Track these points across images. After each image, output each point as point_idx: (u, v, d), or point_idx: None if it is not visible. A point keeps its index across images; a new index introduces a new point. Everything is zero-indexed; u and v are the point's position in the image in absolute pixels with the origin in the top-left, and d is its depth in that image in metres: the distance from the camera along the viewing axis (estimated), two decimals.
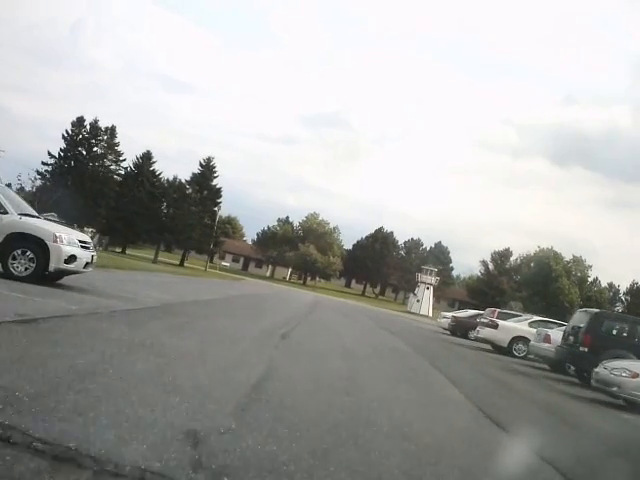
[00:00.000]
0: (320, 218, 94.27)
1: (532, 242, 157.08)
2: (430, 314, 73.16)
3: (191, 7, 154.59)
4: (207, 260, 70.29)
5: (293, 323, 16.05)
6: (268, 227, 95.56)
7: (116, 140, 78.36)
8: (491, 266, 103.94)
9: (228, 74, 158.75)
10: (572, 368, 17.53)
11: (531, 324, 22.19)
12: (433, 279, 76.04)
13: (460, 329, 31.79)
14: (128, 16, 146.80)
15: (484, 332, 22.50)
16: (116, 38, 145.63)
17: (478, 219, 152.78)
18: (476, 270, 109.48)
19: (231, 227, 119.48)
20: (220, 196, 69.95)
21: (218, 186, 69.98)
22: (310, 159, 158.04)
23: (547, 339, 18.50)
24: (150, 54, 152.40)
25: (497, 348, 22.93)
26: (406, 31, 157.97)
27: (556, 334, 18.65)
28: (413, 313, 71.16)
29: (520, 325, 22.20)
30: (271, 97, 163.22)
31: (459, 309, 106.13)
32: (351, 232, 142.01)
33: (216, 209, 69.86)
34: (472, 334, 31.32)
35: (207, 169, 69.92)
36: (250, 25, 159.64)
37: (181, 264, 68.93)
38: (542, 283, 75.89)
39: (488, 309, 28.38)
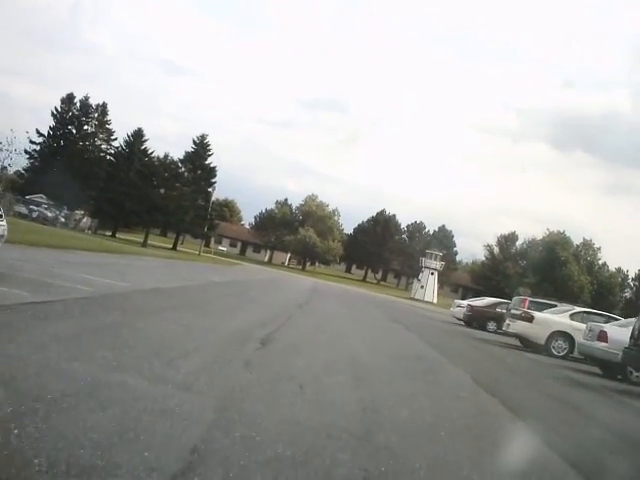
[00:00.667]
0: (319, 200, 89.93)
1: (533, 227, 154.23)
2: (435, 300, 69.36)
3: None
4: (201, 244, 66.32)
5: (282, 318, 12.13)
6: (266, 210, 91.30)
7: (107, 118, 74.74)
8: (496, 250, 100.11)
9: (226, 58, 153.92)
10: (635, 374, 13.76)
11: (573, 316, 18.24)
12: (438, 264, 72.01)
13: (477, 320, 27.90)
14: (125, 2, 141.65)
15: (516, 326, 18.53)
16: (115, 21, 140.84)
17: (478, 204, 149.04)
18: (478, 256, 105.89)
19: (228, 210, 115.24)
20: (214, 175, 65.88)
21: (212, 165, 65.89)
22: (309, 143, 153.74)
23: (603, 337, 14.54)
24: (149, 38, 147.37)
25: (528, 343, 19.04)
26: (406, 16, 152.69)
27: (613, 331, 14.75)
28: (417, 300, 67.33)
29: (560, 318, 18.23)
30: (269, 81, 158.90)
31: (463, 295, 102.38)
32: (352, 218, 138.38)
33: (210, 190, 65.67)
34: (490, 325, 27.55)
35: (201, 147, 65.70)
36: (248, 9, 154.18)
37: (174, 248, 64.97)
38: (550, 268, 71.94)
39: (516, 297, 24.50)
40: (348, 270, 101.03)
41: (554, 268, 71.71)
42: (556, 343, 17.82)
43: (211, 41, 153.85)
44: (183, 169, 65.19)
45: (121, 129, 71.12)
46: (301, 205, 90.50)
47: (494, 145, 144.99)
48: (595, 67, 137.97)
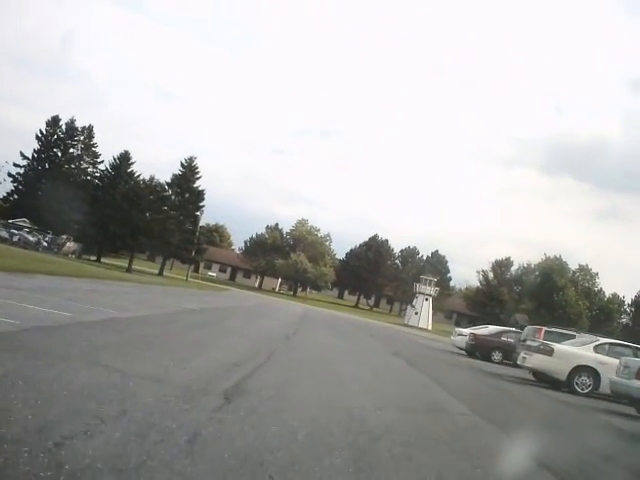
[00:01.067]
0: (310, 225, 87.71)
1: (525, 253, 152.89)
2: (429, 327, 66.89)
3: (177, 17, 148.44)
4: (188, 269, 63.79)
5: (262, 356, 9.78)
6: (256, 234, 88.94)
7: (93, 141, 72.85)
8: (490, 276, 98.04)
9: (217, 85, 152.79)
10: None
11: (597, 349, 15.93)
12: (432, 289, 69.66)
13: (481, 349, 25.53)
14: (116, 30, 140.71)
15: (533, 360, 16.13)
16: (106, 48, 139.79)
17: (469, 231, 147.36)
18: (471, 282, 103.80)
19: (218, 235, 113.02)
20: (203, 199, 63.51)
21: (201, 188, 63.60)
22: (301, 170, 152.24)
23: None
24: (139, 65, 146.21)
25: (544, 378, 16.67)
26: (398, 44, 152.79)
27: None
28: (411, 326, 64.78)
29: (583, 350, 15.89)
30: (262, 108, 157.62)
31: (457, 321, 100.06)
32: (345, 244, 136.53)
33: (198, 213, 63.38)
34: (496, 355, 25.20)
35: (189, 170, 63.50)
36: (240, 36, 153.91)
37: (160, 273, 62.40)
38: (547, 294, 69.80)
39: (530, 327, 22.17)
40: (340, 296, 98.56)
41: (551, 294, 69.56)
42: (579, 379, 15.48)
43: (203, 68, 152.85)
44: (170, 192, 62.92)
45: (109, 155, 68.53)
46: (292, 230, 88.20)
47: (485, 171, 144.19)
48: (586, 94, 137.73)
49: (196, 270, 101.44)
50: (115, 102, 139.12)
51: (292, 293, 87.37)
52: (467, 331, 26.66)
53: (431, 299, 69.03)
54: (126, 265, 61.40)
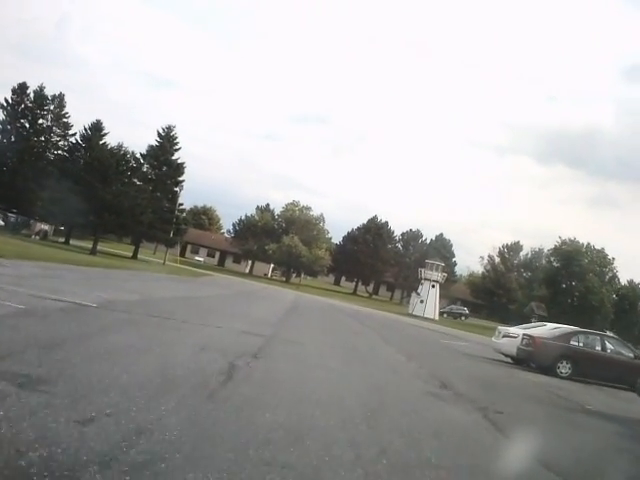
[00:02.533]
0: (302, 205, 79.35)
1: (522, 239, 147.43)
2: (436, 317, 59.06)
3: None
4: (166, 252, 55.65)
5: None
6: (246, 216, 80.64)
7: (65, 111, 64.09)
8: (497, 261, 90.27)
9: (212, 71, 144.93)
10: None
11: None
12: (439, 275, 61.61)
13: (541, 358, 17.59)
14: (112, 14, 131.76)
15: None
16: (103, 34, 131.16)
17: (468, 217, 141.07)
18: (472, 267, 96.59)
19: (207, 218, 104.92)
20: (182, 173, 55.37)
21: (180, 161, 55.43)
22: (296, 156, 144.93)
23: None
24: (133, 51, 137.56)
25: None
26: (393, 29, 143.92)
27: None
28: (416, 316, 56.95)
29: None
30: (257, 95, 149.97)
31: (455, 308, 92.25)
32: (342, 233, 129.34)
33: (177, 189, 55.20)
34: (563, 367, 17.31)
35: (167, 140, 55.31)
36: (236, 23, 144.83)
37: (134, 256, 54.35)
38: (566, 280, 62.07)
39: None
40: (337, 282, 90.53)
41: (571, 279, 61.79)
42: None
43: (198, 54, 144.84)
44: (146, 166, 54.72)
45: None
46: (283, 211, 79.75)
47: (480, 158, 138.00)
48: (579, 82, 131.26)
49: (182, 254, 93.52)
50: (108, 88, 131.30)
51: (285, 279, 79.36)
52: (518, 331, 18.70)
53: (438, 286, 61.10)
54: (104, 249, 53.56)
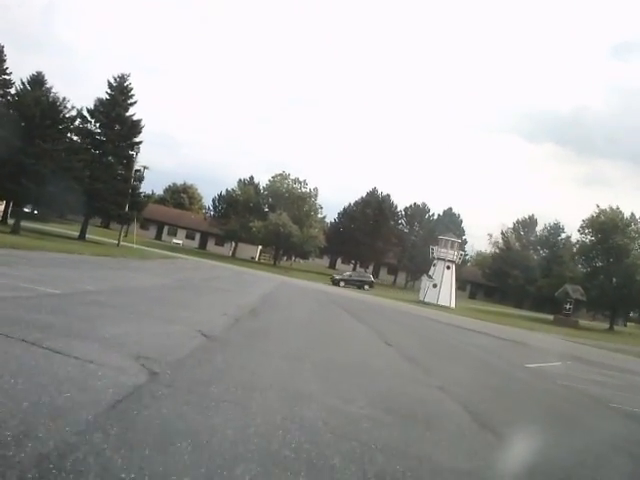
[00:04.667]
0: (292, 178, 67.60)
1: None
2: (453, 304, 48.22)
3: None
4: (121, 230, 44.40)
5: None
6: (227, 190, 69.21)
7: (5, 66, 52.19)
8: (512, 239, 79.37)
9: (201, 54, 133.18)
10: None
11: None
12: (456, 254, 50.54)
13: None
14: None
15: None
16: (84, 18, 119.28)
17: (470, 197, 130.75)
18: (477, 247, 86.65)
19: (187, 197, 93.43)
20: (139, 132, 43.79)
21: (136, 118, 43.90)
22: (287, 139, 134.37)
23: None
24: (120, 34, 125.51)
25: None
26: (380, 10, 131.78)
27: None
28: (428, 303, 46.18)
29: None
30: (246, 76, 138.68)
31: (472, 293, 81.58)
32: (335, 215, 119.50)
33: (133, 153, 43.81)
34: None
35: (119, 93, 43.74)
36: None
37: (81, 236, 43.11)
38: (606, 257, 51.26)
39: None
40: (332, 265, 79.10)
41: (609, 256, 51.00)
42: None
43: (187, 37, 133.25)
44: (94, 124, 43.16)
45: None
46: (269, 184, 68.05)
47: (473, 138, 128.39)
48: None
49: (158, 237, 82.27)
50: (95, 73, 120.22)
51: (273, 262, 68.22)
52: None
53: (454, 267, 50.12)
54: (45, 228, 42.53)
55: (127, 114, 43.78)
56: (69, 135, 40.37)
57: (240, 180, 69.15)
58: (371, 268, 75.93)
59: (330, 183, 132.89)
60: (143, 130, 44.21)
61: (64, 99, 38.34)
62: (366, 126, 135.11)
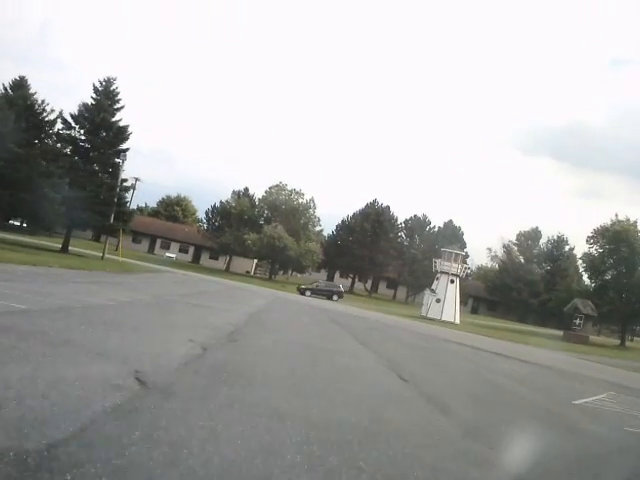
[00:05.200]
0: (290, 189, 64.94)
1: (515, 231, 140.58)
2: (457, 320, 45.44)
3: None
4: (106, 241, 41.57)
5: None
6: (220, 202, 66.56)
7: None
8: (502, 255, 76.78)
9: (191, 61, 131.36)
10: None
11: None
12: (459, 267, 47.87)
13: None
14: None
15: None
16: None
17: (469, 210, 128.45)
18: (477, 261, 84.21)
19: (181, 210, 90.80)
20: (125, 139, 41.25)
21: (122, 124, 41.35)
22: (286, 151, 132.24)
23: None
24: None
25: None
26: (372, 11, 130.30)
27: None
28: (432, 319, 43.42)
29: None
30: (243, 86, 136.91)
31: (474, 308, 78.60)
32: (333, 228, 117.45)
33: (119, 160, 41.16)
34: None
35: (105, 97, 41.28)
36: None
37: (64, 249, 40.32)
38: (616, 269, 48.60)
39: None
40: (330, 279, 76.14)
41: (619, 267, 48.35)
42: None
43: (180, 51, 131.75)
44: (78, 130, 40.60)
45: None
46: (265, 196, 65.41)
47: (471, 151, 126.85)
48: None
49: (151, 250, 79.33)
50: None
51: (268, 277, 65.36)
52: None
53: (458, 280, 47.39)
54: (35, 241, 39.74)
55: (113, 119, 41.27)
56: (47, 141, 37.66)
57: (234, 192, 66.52)
58: (370, 282, 73.21)
59: (328, 197, 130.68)
60: (130, 137, 41.73)
61: (43, 102, 35.69)
62: (364, 138, 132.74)
